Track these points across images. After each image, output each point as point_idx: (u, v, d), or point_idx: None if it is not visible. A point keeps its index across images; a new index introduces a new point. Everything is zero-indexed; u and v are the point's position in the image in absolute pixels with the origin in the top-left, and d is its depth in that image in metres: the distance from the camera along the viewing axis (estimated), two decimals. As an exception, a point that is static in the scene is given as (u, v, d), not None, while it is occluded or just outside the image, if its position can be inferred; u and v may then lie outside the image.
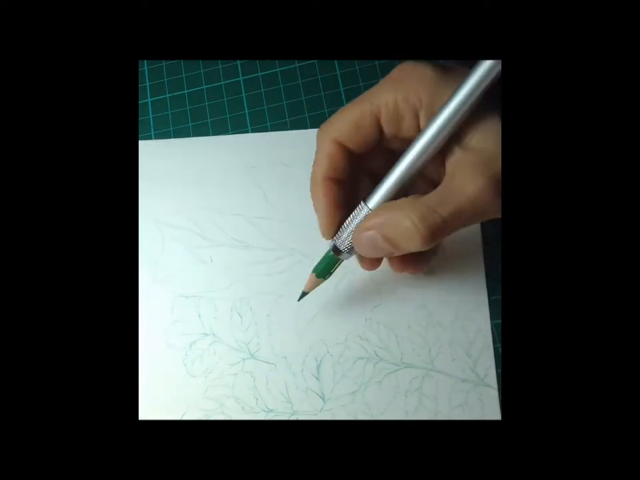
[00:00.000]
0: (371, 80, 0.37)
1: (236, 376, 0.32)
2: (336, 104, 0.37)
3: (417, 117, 0.25)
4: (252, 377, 0.32)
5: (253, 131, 0.37)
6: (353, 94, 0.37)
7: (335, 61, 0.37)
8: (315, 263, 0.34)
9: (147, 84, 0.39)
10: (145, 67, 0.40)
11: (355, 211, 0.27)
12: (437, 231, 0.24)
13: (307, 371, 0.32)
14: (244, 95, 0.38)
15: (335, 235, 0.28)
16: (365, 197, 0.26)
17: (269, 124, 0.37)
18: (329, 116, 0.36)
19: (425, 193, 0.25)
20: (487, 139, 0.23)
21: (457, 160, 0.24)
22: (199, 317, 0.33)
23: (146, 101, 0.39)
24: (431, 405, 0.31)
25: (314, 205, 0.28)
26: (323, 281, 0.30)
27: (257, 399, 0.32)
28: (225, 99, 0.38)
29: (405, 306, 0.32)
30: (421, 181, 0.27)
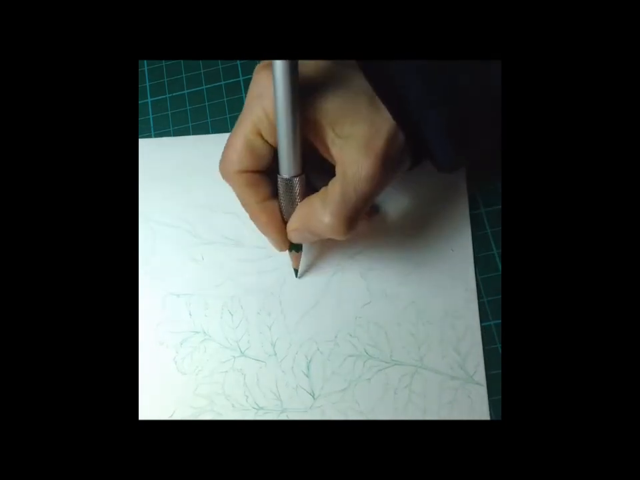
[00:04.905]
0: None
1: (226, 374, 0.32)
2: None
3: None
4: (242, 374, 0.32)
5: None
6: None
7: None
8: (306, 261, 0.34)
9: (147, 84, 0.39)
10: (144, 67, 0.40)
11: (278, 185, 0.29)
12: (352, 217, 0.27)
13: (297, 369, 0.32)
14: (244, 95, 0.38)
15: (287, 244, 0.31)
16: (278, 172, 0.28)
17: None
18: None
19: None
20: (357, 125, 0.26)
21: (340, 149, 0.26)
22: (190, 314, 0.33)
23: (146, 101, 0.39)
24: (420, 402, 0.31)
25: (260, 229, 0.30)
26: (301, 251, 0.32)
27: (247, 397, 0.32)
28: (225, 99, 0.38)
29: (395, 304, 0.32)
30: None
